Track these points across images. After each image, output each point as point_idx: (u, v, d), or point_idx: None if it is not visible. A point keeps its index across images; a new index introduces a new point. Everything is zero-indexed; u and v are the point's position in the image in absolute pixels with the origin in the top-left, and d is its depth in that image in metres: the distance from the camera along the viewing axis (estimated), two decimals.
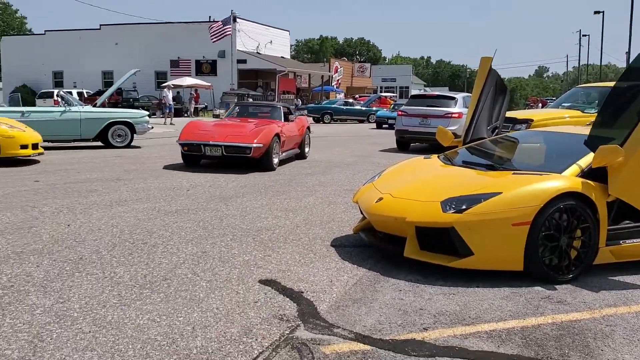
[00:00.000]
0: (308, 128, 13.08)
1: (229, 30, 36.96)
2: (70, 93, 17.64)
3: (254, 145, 10.02)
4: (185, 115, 34.55)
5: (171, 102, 28.15)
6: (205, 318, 3.48)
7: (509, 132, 7.60)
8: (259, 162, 10.44)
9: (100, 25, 45.46)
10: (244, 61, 41.91)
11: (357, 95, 47.05)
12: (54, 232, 5.45)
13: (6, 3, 74.83)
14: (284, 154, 11.27)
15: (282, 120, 11.75)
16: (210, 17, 44.81)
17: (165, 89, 29.51)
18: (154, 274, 4.28)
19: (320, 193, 8.17)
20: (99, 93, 34.24)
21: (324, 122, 33.01)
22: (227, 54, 40.43)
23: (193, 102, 34.85)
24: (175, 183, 8.73)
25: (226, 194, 7.88)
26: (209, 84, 36.93)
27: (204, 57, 42.84)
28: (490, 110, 7.08)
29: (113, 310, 3.55)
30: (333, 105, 34.96)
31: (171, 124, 25.88)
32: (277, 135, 10.67)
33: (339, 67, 53.44)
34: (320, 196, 7.91)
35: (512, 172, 4.87)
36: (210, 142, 10.26)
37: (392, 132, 19.58)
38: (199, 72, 42.47)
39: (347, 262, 4.78)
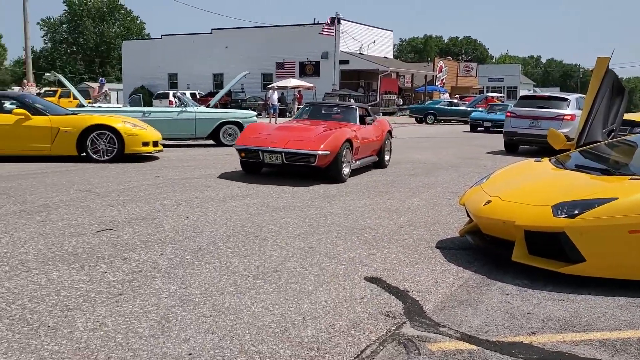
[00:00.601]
0: (389, 132, 11.43)
1: (332, 31, 37.49)
2: (184, 94, 18.66)
3: (320, 152, 8.50)
4: (289, 115, 35.47)
5: (276, 103, 29.05)
6: (314, 310, 3.65)
7: (626, 135, 7.22)
8: (326, 172, 8.94)
9: (212, 29, 47.72)
10: (347, 62, 42.35)
11: (457, 95, 46.02)
12: (175, 223, 5.89)
13: (128, 10, 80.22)
14: (357, 162, 9.72)
15: (357, 123, 10.32)
16: (315, 19, 45.69)
17: (270, 90, 30.49)
18: (265, 266, 4.53)
19: (424, 195, 8.17)
20: (210, 94, 36.00)
21: (427, 123, 32.64)
22: (330, 55, 41.04)
23: (296, 102, 35.70)
24: (281, 180, 9.07)
25: (330, 193, 8.09)
26: (312, 85, 37.68)
27: (307, 58, 43.77)
28: (606, 112, 6.79)
29: (230, 297, 3.82)
30: (437, 106, 34.42)
31: (275, 123, 26.71)
32: (349, 140, 9.14)
33: (443, 66, 52.59)
34: (424, 198, 7.92)
35: (630, 177, 4.66)
36: (269, 148, 8.75)
37: (493, 134, 19.12)
38: (303, 73, 43.44)
39: (452, 264, 4.79)
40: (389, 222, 6.30)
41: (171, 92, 35.81)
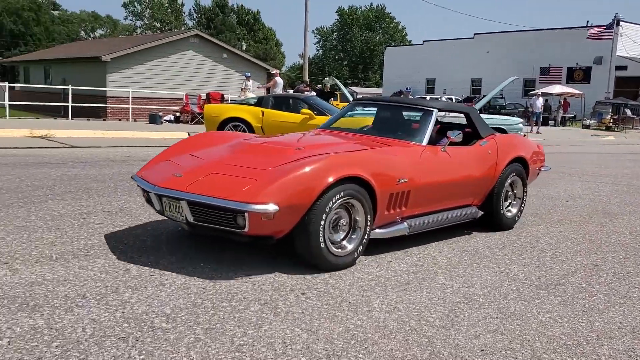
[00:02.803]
0: (520, 163, 5.97)
1: (609, 35, 34.17)
2: (452, 99, 18.84)
3: (255, 207, 3.70)
4: (551, 124, 33.39)
5: (539, 110, 27.57)
6: (609, 329, 3.45)
7: None
8: (297, 247, 4.12)
9: (474, 34, 47.23)
10: (624, 67, 38.23)
11: None
12: None
13: (392, 17, 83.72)
14: (403, 223, 4.73)
15: (423, 142, 5.07)
16: (587, 22, 42.21)
17: (534, 97, 29.05)
18: (547, 277, 4.41)
19: None
20: (467, 100, 35.71)
21: None
22: (604, 60, 37.50)
23: (561, 110, 33.45)
24: (553, 192, 8.64)
25: (610, 210, 7.46)
26: (581, 92, 34.87)
27: (577, 64, 40.65)
28: None
29: (514, 303, 3.81)
30: None
31: (538, 132, 25.38)
32: (361, 180, 4.18)
33: None
34: None
35: None
36: (163, 190, 4.11)
37: None
38: (570, 79, 40.48)
39: None
40: None
41: (427, 97, 36.42)
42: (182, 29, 63.96)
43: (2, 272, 3.76)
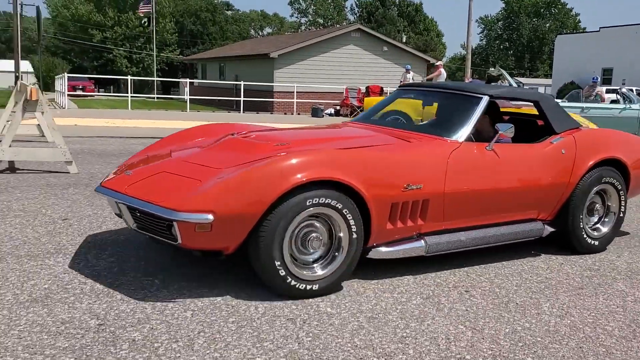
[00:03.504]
0: (623, 165, 4.65)
1: None
2: (631, 90, 17.08)
3: (184, 216, 3.02)
4: None
5: None
6: None
7: None
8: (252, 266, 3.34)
9: None
10: None
11: None
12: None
13: (564, 3, 78.12)
14: (422, 241, 3.74)
15: (460, 138, 4.01)
16: None
17: None
18: None
19: None
20: None
21: None
22: None
23: None
24: None
25: None
26: None
27: None
28: None
29: None
30: None
31: None
32: (341, 185, 3.29)
33: None
34: None
35: None
36: (104, 190, 3.61)
37: None
38: None
39: None
40: None
41: (604, 88, 33.42)
42: (344, 23, 65.37)
43: None
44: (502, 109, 5.23)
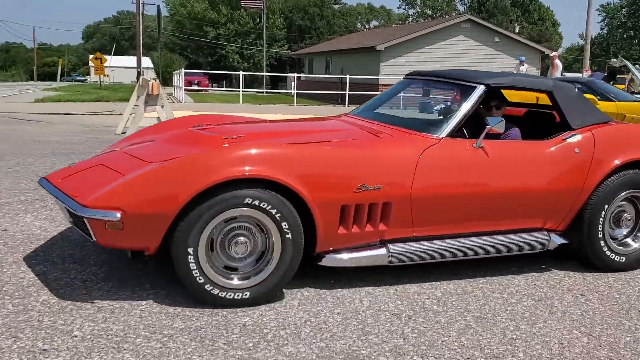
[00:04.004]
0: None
1: None
2: None
3: (88, 213, 2.83)
4: None
5: None
6: None
7: None
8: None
9: None
10: None
11: None
12: None
13: None
14: (359, 254, 3.30)
15: (442, 134, 3.51)
16: None
17: None
18: None
19: None
20: None
21: None
22: None
23: None
24: None
25: None
26: None
27: None
28: None
29: None
30: None
31: None
32: (278, 186, 3.00)
33: None
34: None
35: None
36: (43, 183, 3.47)
37: None
38: None
39: None
40: None
41: None
42: (453, 14, 63.74)
43: None
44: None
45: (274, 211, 2.95)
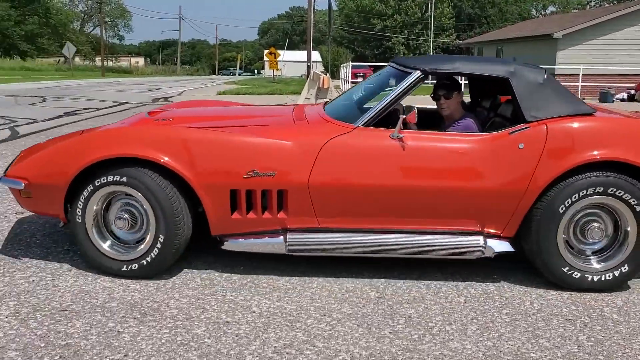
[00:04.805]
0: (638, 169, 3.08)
1: None
2: None
3: (3, 180, 3.41)
4: None
5: None
6: None
7: None
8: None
9: None
10: None
11: None
12: None
13: None
14: (255, 240, 3.29)
15: (357, 122, 3.28)
16: None
17: None
18: None
19: None
20: None
21: None
22: None
23: None
24: None
25: None
26: None
27: None
28: None
29: None
30: None
31: None
32: (159, 166, 3.15)
33: None
34: None
35: None
36: None
37: None
38: None
39: None
40: None
41: None
42: None
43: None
44: None
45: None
